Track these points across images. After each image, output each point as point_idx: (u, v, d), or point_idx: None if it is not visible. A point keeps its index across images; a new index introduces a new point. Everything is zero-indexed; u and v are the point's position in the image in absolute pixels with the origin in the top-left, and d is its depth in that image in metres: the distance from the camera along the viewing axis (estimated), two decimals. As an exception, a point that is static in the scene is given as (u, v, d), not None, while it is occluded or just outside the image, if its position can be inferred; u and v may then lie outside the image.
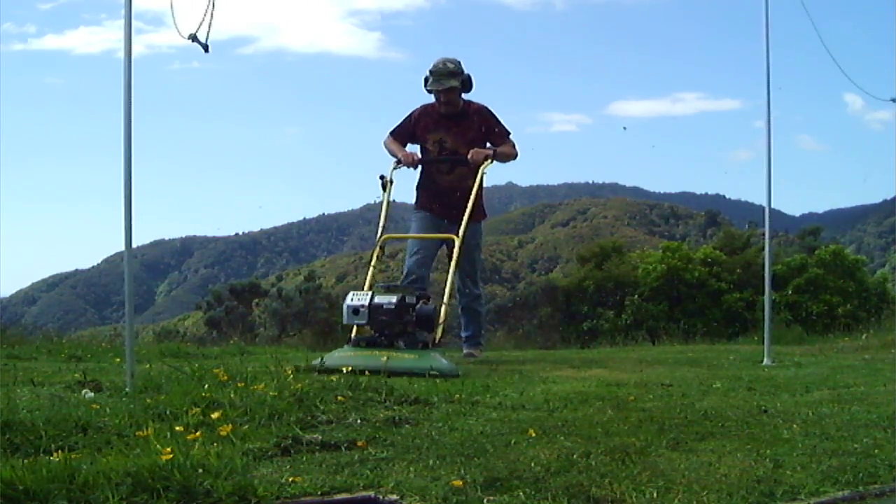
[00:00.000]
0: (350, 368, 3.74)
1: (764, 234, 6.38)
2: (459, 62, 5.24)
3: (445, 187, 5.31)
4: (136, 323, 4.58)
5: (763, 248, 6.77)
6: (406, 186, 5.45)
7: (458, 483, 1.90)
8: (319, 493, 1.85)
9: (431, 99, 5.38)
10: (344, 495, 1.84)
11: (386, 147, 5.37)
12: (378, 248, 4.93)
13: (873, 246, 75.89)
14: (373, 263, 4.89)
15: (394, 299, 4.45)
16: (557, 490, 1.87)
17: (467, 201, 5.06)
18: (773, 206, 6.01)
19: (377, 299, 4.47)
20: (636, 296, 16.05)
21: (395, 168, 5.23)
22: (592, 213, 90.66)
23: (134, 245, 3.52)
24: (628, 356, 6.68)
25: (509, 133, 5.39)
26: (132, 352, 3.45)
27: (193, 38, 3.52)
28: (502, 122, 5.38)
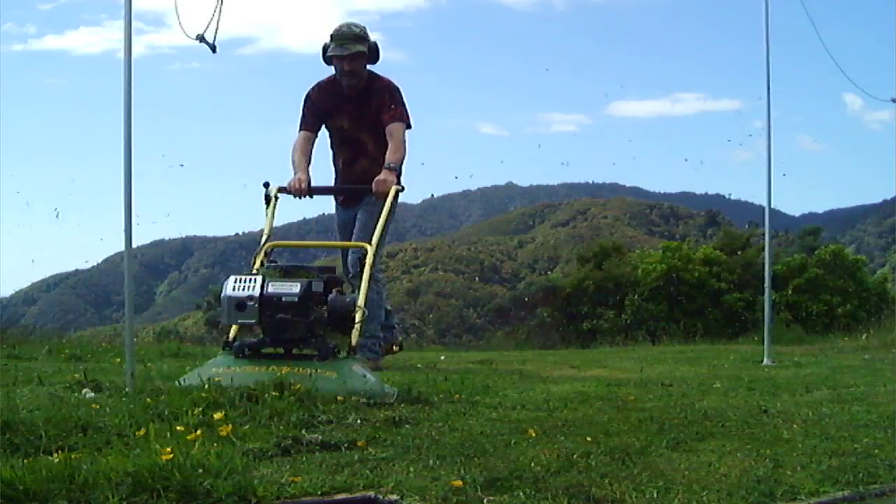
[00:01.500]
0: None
1: (764, 234, 6.38)
2: (366, 28, 4.56)
3: (346, 179, 4.79)
4: (136, 323, 4.53)
5: (763, 248, 6.77)
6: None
7: (458, 483, 1.90)
8: (319, 493, 1.85)
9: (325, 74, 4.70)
10: (344, 495, 1.84)
11: (292, 155, 4.63)
12: (262, 255, 3.84)
13: (873, 246, 75.93)
14: (255, 268, 3.73)
15: (296, 288, 3.27)
16: (557, 490, 1.87)
17: (371, 190, 4.40)
18: (773, 206, 6.04)
19: (272, 288, 3.27)
20: (636, 296, 16.06)
21: (279, 190, 4.33)
22: (592, 213, 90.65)
23: (134, 245, 3.52)
24: (628, 356, 6.69)
25: (405, 120, 4.59)
26: (132, 352, 3.44)
27: (201, 38, 3.52)
28: (404, 105, 4.62)
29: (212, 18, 3.49)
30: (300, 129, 4.73)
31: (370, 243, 3.93)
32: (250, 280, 3.32)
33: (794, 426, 2.69)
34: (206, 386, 2.95)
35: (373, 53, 4.56)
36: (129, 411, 2.65)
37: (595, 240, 30.33)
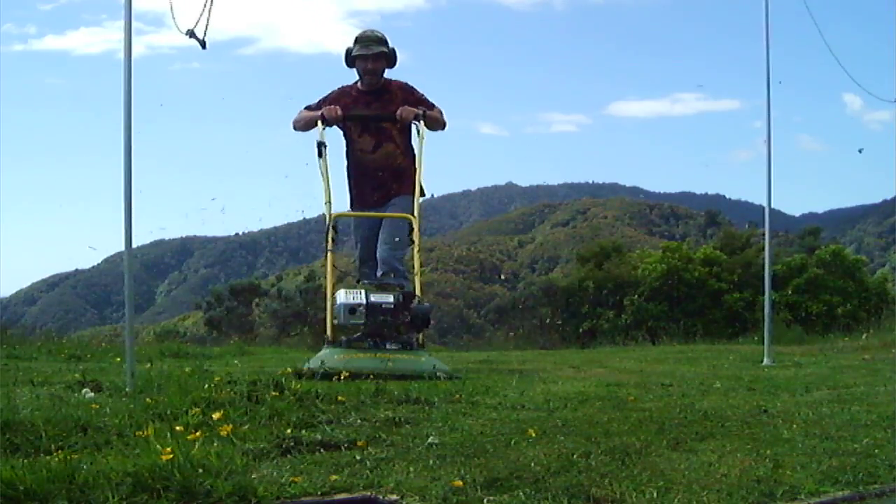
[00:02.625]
0: (348, 372, 3.72)
1: (764, 234, 6.38)
2: (386, 35, 4.76)
3: (371, 167, 4.77)
4: (136, 323, 4.56)
5: (763, 248, 6.77)
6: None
7: (458, 483, 1.90)
8: (319, 493, 1.84)
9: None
10: (344, 495, 1.84)
11: (298, 121, 4.74)
12: (332, 230, 4.48)
13: (873, 246, 75.85)
14: (329, 248, 4.47)
15: (391, 298, 4.26)
16: (557, 490, 1.87)
17: (395, 181, 4.71)
18: (773, 206, 6.04)
19: (373, 298, 4.23)
20: (636, 296, 16.06)
21: (323, 128, 4.59)
22: (592, 213, 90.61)
23: (134, 245, 3.52)
24: (628, 356, 6.69)
25: (435, 105, 4.84)
26: (132, 352, 3.45)
27: (191, 33, 3.54)
28: (427, 96, 4.87)
29: (202, 14, 3.53)
30: (307, 109, 4.77)
31: (413, 215, 4.56)
32: (357, 292, 4.24)
33: (794, 426, 2.68)
34: (207, 386, 2.96)
35: (391, 58, 4.74)
36: (129, 411, 2.65)
37: (595, 240, 30.32)
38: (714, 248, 17.50)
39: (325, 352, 4.20)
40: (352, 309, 4.17)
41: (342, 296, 4.21)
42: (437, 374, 3.96)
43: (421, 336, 4.43)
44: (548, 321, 16.95)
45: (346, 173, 4.87)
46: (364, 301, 4.18)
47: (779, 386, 3.90)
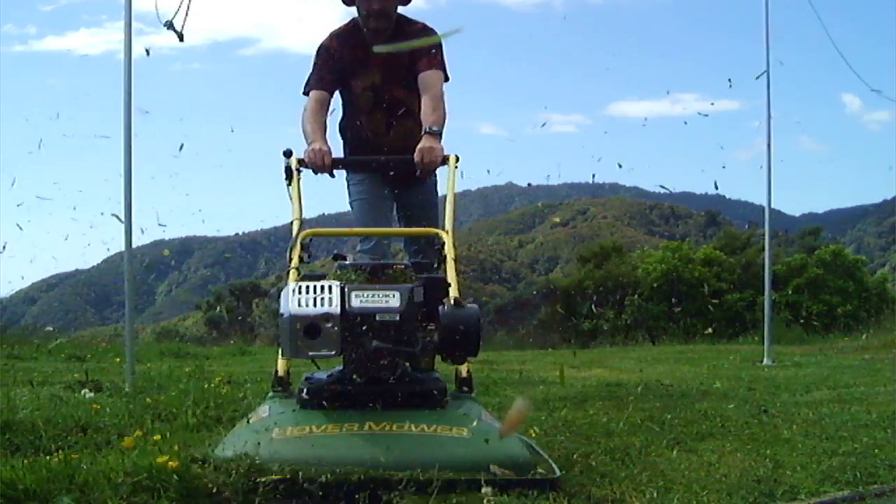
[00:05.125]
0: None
1: (764, 234, 6.38)
2: None
3: (385, 150, 3.40)
4: (136, 323, 4.55)
5: (763, 248, 6.77)
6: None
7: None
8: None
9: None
10: (344, 494, 1.83)
11: (302, 124, 3.32)
12: (299, 247, 2.68)
13: (873, 246, 75.85)
14: (293, 265, 2.57)
15: (395, 299, 2.10)
16: (557, 490, 1.87)
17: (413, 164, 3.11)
18: (773, 206, 6.04)
19: (358, 300, 2.08)
20: (636, 296, 16.06)
21: (298, 166, 3.09)
22: (592, 213, 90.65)
23: (134, 245, 3.52)
24: (628, 356, 6.69)
25: (444, 70, 3.36)
26: (132, 352, 3.46)
27: (169, 25, 3.55)
28: (445, 59, 3.41)
29: (180, 6, 3.50)
30: (311, 90, 3.40)
31: (444, 229, 2.82)
32: (324, 289, 2.09)
33: (794, 426, 2.69)
34: (207, 386, 2.95)
35: None
36: (129, 411, 2.65)
37: (595, 240, 30.31)
38: (714, 248, 17.50)
39: (262, 412, 2.18)
40: (311, 326, 2.04)
41: (292, 297, 2.07)
42: (533, 477, 1.87)
43: (464, 369, 2.42)
44: (548, 321, 16.96)
45: (339, 120, 3.57)
46: (337, 308, 2.05)
47: (779, 386, 3.91)
